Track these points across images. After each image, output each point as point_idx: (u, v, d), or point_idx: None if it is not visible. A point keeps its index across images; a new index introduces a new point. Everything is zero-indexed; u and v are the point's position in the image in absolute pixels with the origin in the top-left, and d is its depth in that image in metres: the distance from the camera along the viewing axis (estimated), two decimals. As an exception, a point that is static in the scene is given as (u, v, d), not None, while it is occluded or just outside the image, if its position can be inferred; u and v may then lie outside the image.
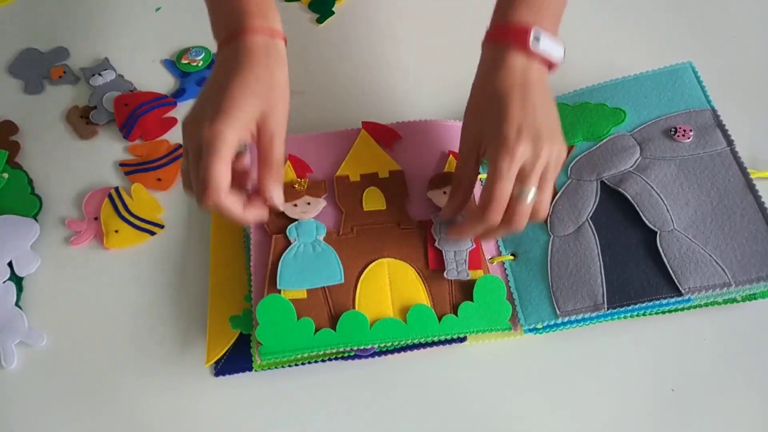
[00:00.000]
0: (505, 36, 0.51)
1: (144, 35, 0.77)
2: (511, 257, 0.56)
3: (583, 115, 0.62)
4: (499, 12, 0.53)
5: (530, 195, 0.49)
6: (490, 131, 0.50)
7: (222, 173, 0.47)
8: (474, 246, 0.55)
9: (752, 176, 0.55)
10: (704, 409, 0.52)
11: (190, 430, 0.53)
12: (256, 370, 0.53)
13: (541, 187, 0.50)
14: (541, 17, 0.51)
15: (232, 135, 0.47)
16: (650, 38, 0.72)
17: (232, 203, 0.48)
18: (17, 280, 0.60)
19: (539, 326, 0.53)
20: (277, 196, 0.51)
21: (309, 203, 0.58)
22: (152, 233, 0.62)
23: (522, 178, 0.49)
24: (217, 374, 0.54)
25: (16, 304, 0.58)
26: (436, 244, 0.55)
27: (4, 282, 0.59)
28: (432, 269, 0.55)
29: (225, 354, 0.54)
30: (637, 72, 0.64)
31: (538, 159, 0.49)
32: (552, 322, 0.53)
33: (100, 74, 0.73)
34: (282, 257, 0.55)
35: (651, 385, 0.53)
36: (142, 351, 0.56)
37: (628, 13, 0.75)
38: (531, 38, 0.50)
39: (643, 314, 0.54)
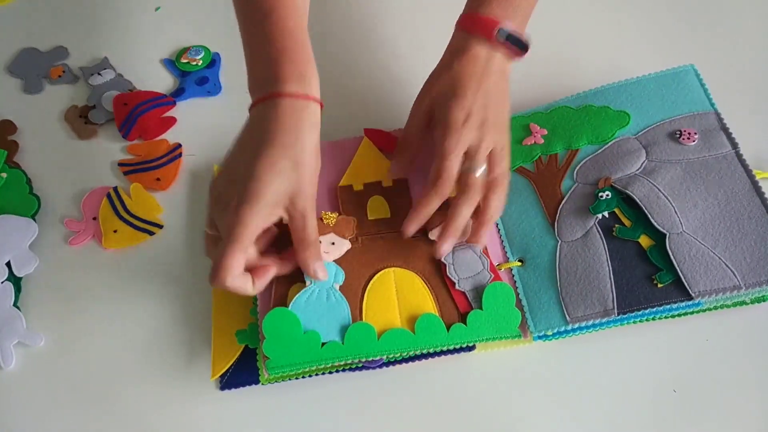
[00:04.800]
0: (473, 25, 0.55)
1: (143, 34, 0.76)
2: (519, 263, 0.55)
3: (587, 117, 0.61)
4: (472, 2, 0.57)
5: (479, 169, 0.53)
6: (441, 110, 0.55)
7: (235, 263, 0.47)
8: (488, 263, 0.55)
9: (757, 177, 0.55)
10: (707, 411, 0.51)
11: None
12: (263, 384, 0.53)
13: (491, 166, 0.54)
14: (510, 13, 0.55)
15: (256, 222, 0.47)
16: (653, 40, 0.72)
17: (241, 283, 0.48)
18: (15, 280, 0.59)
19: (549, 333, 0.52)
20: (321, 273, 0.51)
21: (333, 243, 0.55)
22: (151, 233, 0.62)
23: (469, 157, 0.54)
24: (222, 388, 0.54)
25: (14, 305, 0.58)
26: (457, 287, 0.54)
27: (2, 282, 0.59)
28: (463, 311, 0.53)
29: (231, 367, 0.54)
30: (639, 74, 0.63)
31: (482, 143, 0.54)
32: (562, 329, 0.52)
33: (99, 73, 0.72)
34: (294, 300, 0.52)
35: (654, 386, 0.52)
36: (140, 352, 0.56)
37: (631, 15, 0.74)
38: (496, 31, 0.54)
39: (653, 318, 0.53)
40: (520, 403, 0.52)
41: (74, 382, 0.55)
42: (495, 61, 0.55)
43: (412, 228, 0.54)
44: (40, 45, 0.76)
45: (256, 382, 0.53)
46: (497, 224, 0.58)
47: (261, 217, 0.47)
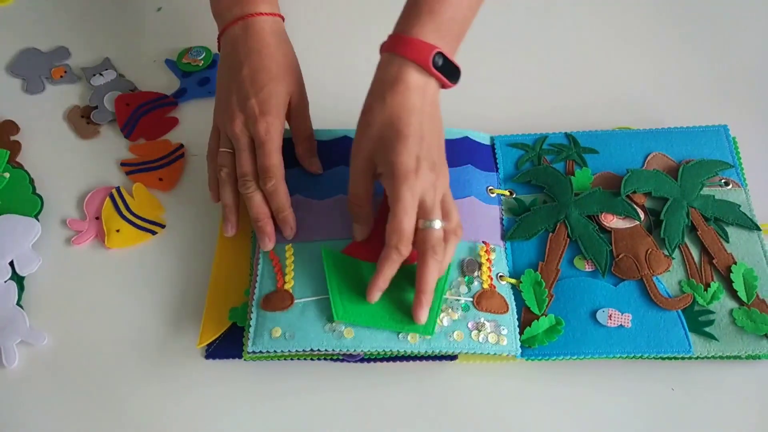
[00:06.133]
0: (406, 49, 0.50)
1: (145, 35, 0.77)
2: (514, 281, 0.56)
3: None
4: (404, 23, 0.52)
5: (438, 222, 0.50)
6: (386, 159, 0.50)
7: (281, 160, 0.56)
8: None
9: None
10: (706, 410, 0.52)
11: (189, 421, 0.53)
12: (245, 360, 0.54)
13: (446, 214, 0.51)
14: (444, 37, 0.51)
15: (281, 125, 0.56)
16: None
17: (286, 191, 0.56)
18: (18, 279, 0.60)
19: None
20: (315, 165, 0.59)
21: None
22: (153, 233, 0.62)
23: (424, 211, 0.49)
24: (207, 357, 0.55)
25: (18, 304, 0.58)
26: None
27: (5, 281, 0.59)
28: None
29: (218, 338, 0.55)
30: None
31: (436, 189, 0.50)
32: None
33: (101, 74, 0.73)
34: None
35: (652, 386, 0.53)
36: (142, 350, 0.56)
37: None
38: (432, 58, 0.50)
39: (640, 357, 0.53)
40: (498, 416, 0.52)
41: (77, 381, 0.55)
42: (429, 91, 0.51)
43: (376, 295, 0.51)
44: (41, 45, 0.76)
45: (241, 356, 0.54)
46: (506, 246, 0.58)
47: (282, 119, 0.56)
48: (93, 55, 0.75)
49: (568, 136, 0.64)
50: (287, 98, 0.57)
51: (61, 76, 0.73)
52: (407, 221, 0.48)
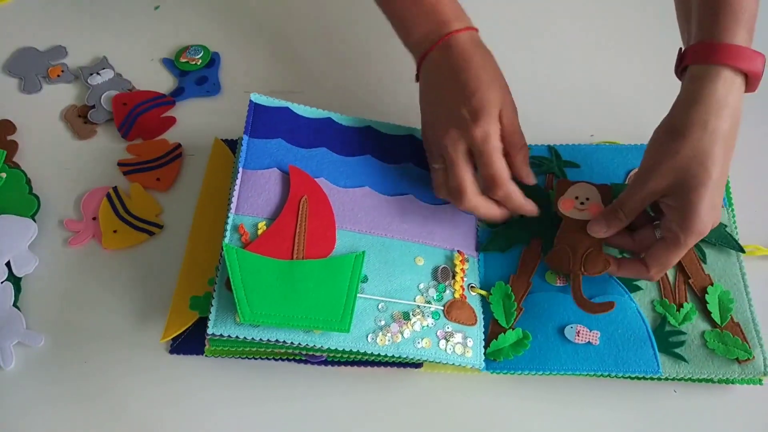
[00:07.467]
0: (738, 59, 0.46)
1: (142, 34, 0.76)
2: (484, 292, 0.55)
3: None
4: (713, 28, 0.47)
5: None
6: (683, 198, 0.47)
7: (504, 165, 0.53)
8: None
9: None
10: (707, 411, 0.52)
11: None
12: (206, 356, 0.53)
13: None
14: (750, 39, 0.47)
15: (497, 130, 0.53)
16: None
17: (516, 190, 0.53)
18: (15, 280, 0.59)
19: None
20: (531, 176, 0.55)
21: None
22: (151, 233, 0.62)
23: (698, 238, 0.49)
24: (171, 352, 0.55)
25: (14, 305, 0.58)
26: None
27: (2, 282, 0.59)
28: None
29: (184, 333, 0.55)
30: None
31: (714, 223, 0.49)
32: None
33: (98, 73, 0.72)
34: None
35: (653, 386, 0.53)
36: (140, 352, 0.56)
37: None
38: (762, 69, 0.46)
39: (608, 375, 0.52)
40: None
41: (74, 382, 0.55)
42: (739, 107, 0.47)
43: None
44: (38, 44, 0.76)
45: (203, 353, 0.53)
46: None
47: (497, 125, 0.53)
48: (90, 54, 0.75)
49: (550, 149, 0.63)
50: (499, 106, 0.53)
51: (59, 76, 0.73)
52: (677, 257, 0.50)
